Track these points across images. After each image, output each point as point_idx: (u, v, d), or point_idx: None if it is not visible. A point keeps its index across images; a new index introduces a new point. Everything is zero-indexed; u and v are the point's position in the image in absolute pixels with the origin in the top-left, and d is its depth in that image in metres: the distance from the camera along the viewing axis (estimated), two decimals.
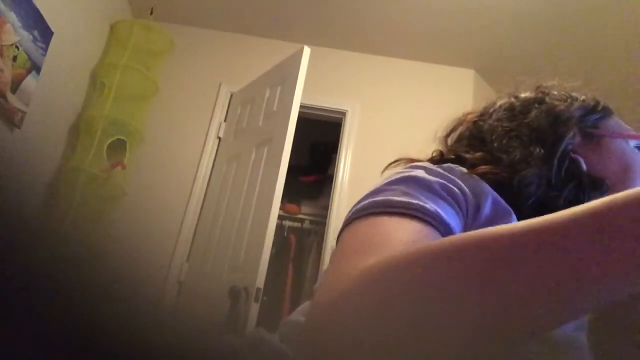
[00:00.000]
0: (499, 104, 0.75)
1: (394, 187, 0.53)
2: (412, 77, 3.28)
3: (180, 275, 2.72)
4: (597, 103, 0.72)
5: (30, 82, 2.29)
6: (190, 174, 2.96)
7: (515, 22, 2.84)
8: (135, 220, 2.81)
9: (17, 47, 2.19)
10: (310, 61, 2.52)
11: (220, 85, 3.16)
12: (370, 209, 0.50)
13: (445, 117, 0.77)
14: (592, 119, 0.70)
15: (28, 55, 2.26)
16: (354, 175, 3.00)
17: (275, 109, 2.58)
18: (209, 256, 2.53)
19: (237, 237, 2.37)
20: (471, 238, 0.36)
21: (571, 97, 0.72)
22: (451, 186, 0.54)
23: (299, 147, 2.82)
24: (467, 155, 0.68)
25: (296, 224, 3.68)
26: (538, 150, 0.66)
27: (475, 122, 0.75)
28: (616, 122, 0.71)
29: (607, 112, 0.71)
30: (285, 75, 2.60)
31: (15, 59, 2.18)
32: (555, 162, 0.65)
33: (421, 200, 0.49)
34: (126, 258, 2.68)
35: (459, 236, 0.38)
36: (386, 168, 0.68)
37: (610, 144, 0.68)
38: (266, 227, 2.18)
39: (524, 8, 2.72)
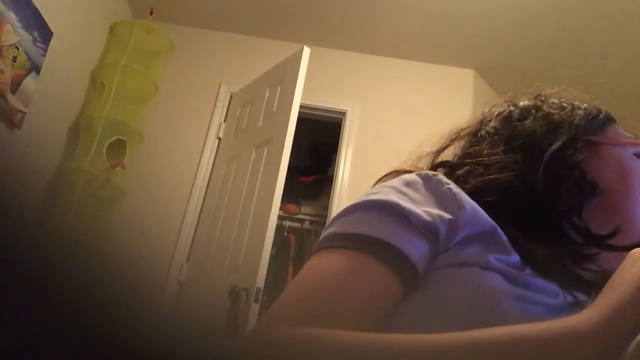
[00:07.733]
0: (495, 112, 0.74)
1: (355, 215, 0.55)
2: (412, 77, 3.27)
3: (179, 276, 2.71)
4: (599, 111, 0.71)
5: (29, 82, 2.29)
6: (190, 174, 2.96)
7: (515, 22, 2.84)
8: (134, 220, 2.81)
9: (17, 47, 2.19)
10: (309, 61, 2.52)
11: (219, 85, 3.16)
12: (327, 241, 0.53)
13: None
14: (592, 126, 0.69)
15: (27, 56, 2.26)
16: (354, 176, 3.00)
17: (274, 109, 2.58)
18: (209, 256, 2.53)
19: (237, 237, 2.37)
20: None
21: (572, 105, 0.71)
22: (419, 212, 0.53)
23: (298, 147, 2.81)
24: (458, 171, 0.67)
25: (296, 224, 3.67)
26: (519, 156, 0.64)
27: (471, 135, 0.73)
28: (616, 130, 0.71)
29: (608, 120, 0.71)
30: (284, 75, 2.60)
31: (14, 59, 2.18)
32: (541, 168, 0.62)
33: (382, 233, 0.51)
34: (126, 258, 2.68)
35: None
36: (379, 180, 0.67)
37: (608, 151, 0.68)
38: (266, 227, 2.18)
39: (524, 8, 2.72)
